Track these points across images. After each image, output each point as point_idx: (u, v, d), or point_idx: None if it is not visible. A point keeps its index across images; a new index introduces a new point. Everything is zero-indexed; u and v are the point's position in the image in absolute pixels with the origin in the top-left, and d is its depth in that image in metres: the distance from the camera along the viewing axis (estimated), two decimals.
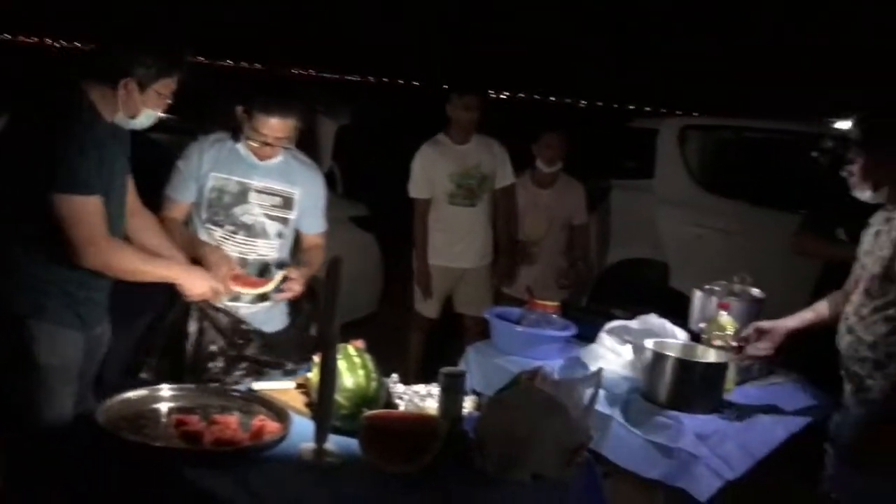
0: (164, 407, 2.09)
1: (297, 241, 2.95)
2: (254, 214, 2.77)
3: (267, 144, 2.70)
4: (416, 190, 4.19)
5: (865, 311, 2.40)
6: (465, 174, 4.14)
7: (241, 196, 2.76)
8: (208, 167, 2.75)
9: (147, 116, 2.32)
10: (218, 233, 2.77)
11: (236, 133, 2.77)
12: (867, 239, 2.49)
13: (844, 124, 2.51)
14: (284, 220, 2.83)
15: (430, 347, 4.38)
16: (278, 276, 2.72)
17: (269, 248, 2.81)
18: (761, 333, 2.65)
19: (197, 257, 2.61)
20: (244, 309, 2.76)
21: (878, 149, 2.38)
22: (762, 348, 2.64)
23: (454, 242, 4.20)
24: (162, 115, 2.38)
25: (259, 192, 2.77)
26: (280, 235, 2.83)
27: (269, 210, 2.79)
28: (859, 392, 2.43)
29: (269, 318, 2.83)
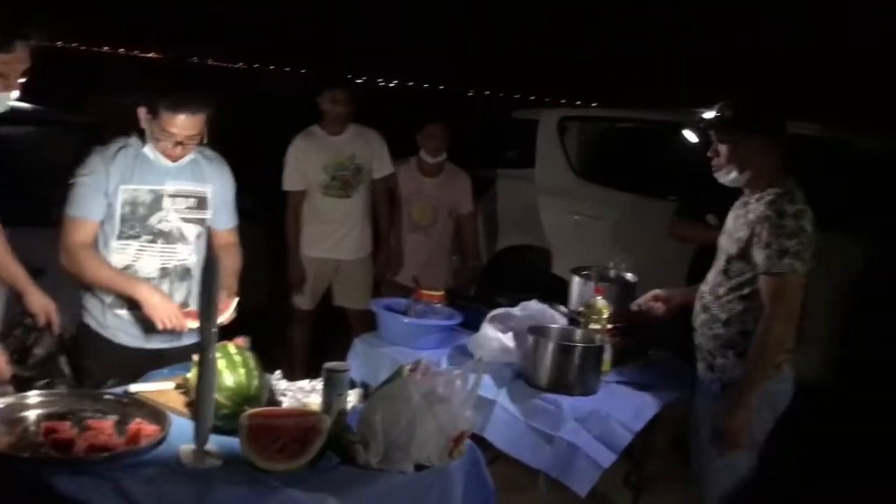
0: (32, 414, 1.99)
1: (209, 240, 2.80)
2: (170, 220, 2.64)
3: (179, 144, 2.55)
4: (289, 182, 4.16)
5: (721, 291, 2.55)
6: (339, 165, 4.12)
7: (155, 204, 2.62)
8: (116, 180, 2.57)
9: None
10: (133, 246, 2.62)
11: (142, 136, 2.60)
12: (727, 222, 2.64)
13: (711, 114, 2.64)
14: (201, 221, 2.71)
15: (318, 342, 4.35)
16: (233, 303, 2.60)
17: (188, 252, 2.69)
18: (658, 300, 2.84)
19: (124, 294, 2.52)
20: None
21: (740, 133, 2.50)
22: (655, 310, 2.86)
23: (329, 234, 4.19)
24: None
25: (172, 196, 2.64)
26: (199, 237, 2.72)
27: (185, 213, 2.66)
28: (711, 370, 2.58)
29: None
